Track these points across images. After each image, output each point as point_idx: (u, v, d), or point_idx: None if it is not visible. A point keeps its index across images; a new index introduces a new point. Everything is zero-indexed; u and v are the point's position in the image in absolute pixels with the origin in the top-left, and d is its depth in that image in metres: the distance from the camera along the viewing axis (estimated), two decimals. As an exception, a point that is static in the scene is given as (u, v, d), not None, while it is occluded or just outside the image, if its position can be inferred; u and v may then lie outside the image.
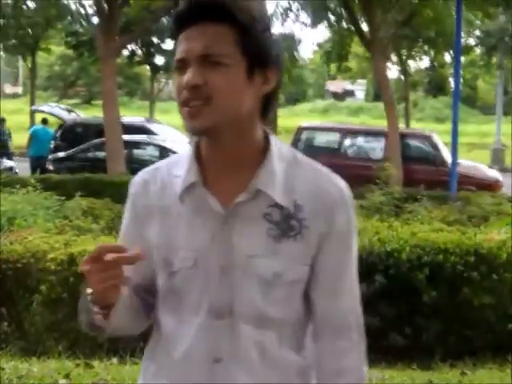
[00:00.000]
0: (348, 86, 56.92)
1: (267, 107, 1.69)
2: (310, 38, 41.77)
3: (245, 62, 1.60)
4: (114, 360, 5.29)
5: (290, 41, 18.56)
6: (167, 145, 16.78)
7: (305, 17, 17.85)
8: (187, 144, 1.77)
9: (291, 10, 17.35)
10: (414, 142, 17.02)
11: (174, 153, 11.80)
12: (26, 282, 5.85)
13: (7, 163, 18.47)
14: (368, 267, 5.65)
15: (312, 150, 16.88)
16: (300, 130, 17.55)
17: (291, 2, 17.26)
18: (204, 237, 1.65)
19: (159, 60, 32.63)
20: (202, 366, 1.66)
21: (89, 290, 1.61)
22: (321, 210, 1.66)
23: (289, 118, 36.85)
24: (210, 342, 1.66)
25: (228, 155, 1.66)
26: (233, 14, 1.58)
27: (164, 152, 15.51)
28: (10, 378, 4.72)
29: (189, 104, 1.59)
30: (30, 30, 28.45)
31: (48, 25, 27.68)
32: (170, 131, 19.60)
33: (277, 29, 19.88)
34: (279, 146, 1.71)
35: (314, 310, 1.72)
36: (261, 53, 1.62)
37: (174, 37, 1.64)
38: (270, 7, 19.83)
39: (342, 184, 1.71)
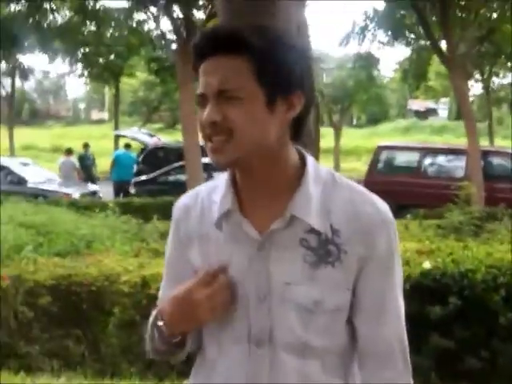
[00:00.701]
0: (431, 104, 56.23)
1: (298, 130, 1.65)
2: (391, 57, 41.34)
3: (263, 93, 1.56)
4: (185, 382, 5.31)
5: (368, 60, 18.41)
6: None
7: (382, 35, 17.58)
8: None
9: (368, 30, 17.22)
10: (496, 160, 16.64)
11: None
12: (101, 304, 5.94)
13: (91, 187, 18.93)
14: (442, 289, 5.52)
15: (391, 170, 16.75)
16: (379, 149, 17.37)
17: (368, 22, 17.09)
18: (241, 263, 1.64)
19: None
20: None
21: (160, 323, 1.65)
22: (359, 233, 1.61)
23: (370, 138, 36.65)
24: (250, 370, 1.64)
25: (261, 182, 1.64)
26: (248, 44, 1.55)
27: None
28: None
29: (211, 139, 1.58)
30: (113, 57, 29.20)
31: (131, 52, 28.34)
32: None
33: (353, 48, 19.82)
34: (316, 167, 1.67)
35: (358, 337, 1.67)
36: (281, 80, 1.57)
37: (196, 68, 1.62)
38: (346, 27, 19.78)
39: (382, 205, 1.66)
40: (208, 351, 1.73)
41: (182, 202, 1.78)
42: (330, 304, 1.61)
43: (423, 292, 5.52)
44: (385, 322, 1.65)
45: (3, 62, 29.44)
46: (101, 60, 28.77)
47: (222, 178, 1.72)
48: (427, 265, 5.62)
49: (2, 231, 8.22)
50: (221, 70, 1.56)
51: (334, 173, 1.71)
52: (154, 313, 1.71)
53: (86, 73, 30.53)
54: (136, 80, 40.01)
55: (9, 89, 35.67)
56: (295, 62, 1.60)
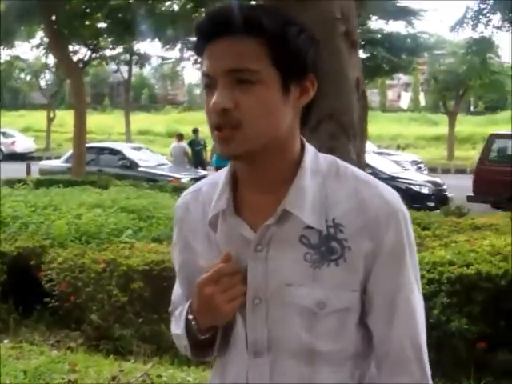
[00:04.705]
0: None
1: (307, 116, 1.53)
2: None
3: (278, 77, 1.44)
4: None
5: (482, 45, 17.74)
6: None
7: (497, 20, 16.86)
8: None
9: (483, 14, 16.56)
10: None
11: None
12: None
13: (201, 172, 19.15)
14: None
15: (504, 159, 16.15)
16: (491, 137, 16.76)
17: (481, 5, 16.44)
18: (239, 266, 1.54)
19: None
20: None
21: (190, 317, 1.59)
22: (364, 227, 1.47)
23: (487, 125, 35.58)
24: (251, 379, 1.54)
25: (262, 176, 1.53)
26: (260, 25, 1.42)
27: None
28: (165, 386, 4.84)
29: (219, 129, 1.45)
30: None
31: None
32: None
33: (467, 33, 19.17)
34: (315, 158, 1.55)
35: (373, 339, 1.55)
36: (296, 62, 1.46)
37: (199, 52, 1.50)
38: (459, 11, 19.14)
39: (391, 194, 1.51)
40: (220, 353, 1.65)
41: (183, 199, 1.69)
42: (336, 305, 1.49)
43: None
44: (396, 322, 1.51)
45: (121, 48, 30.12)
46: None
47: (221, 173, 1.63)
48: (526, 261, 5.36)
49: (103, 215, 8.40)
50: (235, 50, 1.43)
51: (340, 162, 1.57)
52: (186, 306, 1.64)
53: (199, 59, 30.95)
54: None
55: (126, 75, 36.59)
56: (307, 45, 1.48)
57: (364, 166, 2.58)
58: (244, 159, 1.50)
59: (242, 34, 1.43)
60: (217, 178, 1.64)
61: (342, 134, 2.39)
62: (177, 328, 1.68)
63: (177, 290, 1.77)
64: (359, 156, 2.48)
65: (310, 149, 1.56)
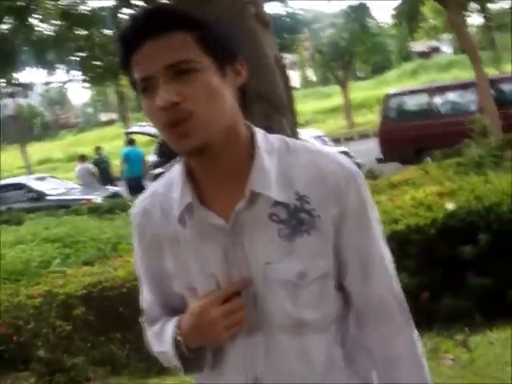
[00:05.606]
0: (433, 43, 55.56)
1: (243, 99, 1.57)
2: (390, 4, 40.72)
3: (213, 62, 1.48)
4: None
5: (359, 11, 18.13)
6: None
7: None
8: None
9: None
10: (507, 86, 16.29)
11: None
12: (135, 304, 5.89)
13: (112, 189, 18.95)
14: (469, 227, 5.46)
15: (404, 116, 16.56)
16: (388, 97, 17.12)
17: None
18: (217, 257, 1.56)
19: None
20: None
21: (179, 338, 1.58)
22: (327, 194, 1.53)
23: (378, 87, 36.37)
24: (248, 363, 1.57)
25: (220, 165, 1.54)
26: (183, 19, 1.47)
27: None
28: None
29: (171, 126, 1.46)
30: (110, 57, 29.02)
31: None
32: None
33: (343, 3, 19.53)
34: (265, 138, 1.59)
35: (351, 298, 1.61)
36: (225, 47, 1.50)
37: (124, 62, 1.50)
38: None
39: (345, 160, 1.58)
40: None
41: (139, 206, 1.68)
42: (315, 273, 1.54)
43: (451, 234, 5.45)
44: (372, 277, 1.58)
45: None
46: (98, 62, 28.61)
47: (174, 173, 1.63)
48: (450, 206, 5.56)
49: (27, 250, 8.25)
50: (166, 48, 1.44)
51: (287, 139, 1.63)
52: (173, 322, 1.62)
53: (86, 78, 30.44)
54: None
55: (11, 108, 35.73)
56: (228, 31, 1.54)
57: (299, 138, 2.66)
58: (202, 152, 1.50)
59: (168, 31, 1.45)
60: (170, 178, 1.64)
61: (275, 112, 2.47)
62: (160, 346, 1.66)
63: (146, 298, 1.76)
64: (293, 130, 2.57)
65: (258, 130, 1.60)
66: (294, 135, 2.57)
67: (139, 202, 1.69)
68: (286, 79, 2.77)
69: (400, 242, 5.40)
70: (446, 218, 5.50)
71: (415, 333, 1.63)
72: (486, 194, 5.64)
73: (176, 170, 1.63)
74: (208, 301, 1.54)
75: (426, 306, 5.34)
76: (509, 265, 5.42)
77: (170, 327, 1.62)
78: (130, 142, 20.28)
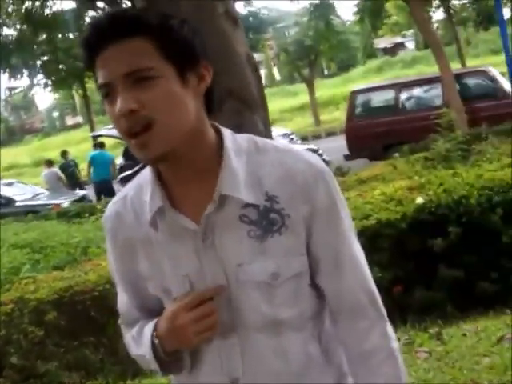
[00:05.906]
0: (397, 39, 56.00)
1: (211, 103, 1.57)
2: (352, 2, 40.88)
3: (174, 69, 1.47)
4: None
5: (323, 9, 18.20)
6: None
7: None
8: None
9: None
10: (471, 80, 16.44)
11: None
12: (107, 307, 5.88)
13: (79, 193, 18.84)
14: (439, 220, 5.50)
15: (370, 112, 16.62)
16: (353, 94, 17.10)
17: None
18: (190, 259, 1.56)
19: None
20: None
21: (155, 340, 1.58)
22: (296, 192, 1.53)
23: (344, 85, 36.52)
24: (224, 364, 1.57)
25: (188, 169, 1.54)
26: (143, 24, 1.46)
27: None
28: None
29: (133, 135, 1.46)
30: (72, 61, 28.86)
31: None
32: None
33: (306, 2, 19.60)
34: (234, 139, 1.58)
35: (325, 295, 1.61)
36: (186, 52, 1.49)
37: (89, 65, 1.50)
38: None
39: (313, 158, 1.58)
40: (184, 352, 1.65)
41: (111, 210, 1.67)
42: (288, 272, 1.54)
43: (421, 227, 5.49)
44: (344, 274, 1.59)
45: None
46: (61, 66, 28.40)
47: (144, 176, 1.62)
48: (420, 200, 5.60)
49: (-4, 257, 8.16)
50: (125, 54, 1.44)
51: (256, 138, 1.62)
52: (151, 325, 1.62)
53: (49, 82, 30.22)
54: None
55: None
56: (193, 34, 1.52)
57: (271, 135, 2.67)
58: (165, 159, 1.50)
59: (128, 36, 1.45)
60: (140, 181, 1.64)
61: (246, 109, 2.47)
62: (138, 349, 1.66)
63: (123, 301, 1.75)
64: (266, 127, 2.58)
65: (225, 131, 1.59)
66: (267, 132, 2.58)
67: (111, 206, 1.68)
68: (258, 76, 2.78)
69: (371, 237, 5.43)
70: (416, 211, 5.53)
71: (389, 327, 1.63)
72: (454, 188, 5.68)
73: (146, 173, 1.62)
74: (179, 306, 1.54)
75: (399, 299, 5.38)
76: (479, 257, 5.48)
77: (148, 330, 1.62)
78: (100, 145, 20.13)
